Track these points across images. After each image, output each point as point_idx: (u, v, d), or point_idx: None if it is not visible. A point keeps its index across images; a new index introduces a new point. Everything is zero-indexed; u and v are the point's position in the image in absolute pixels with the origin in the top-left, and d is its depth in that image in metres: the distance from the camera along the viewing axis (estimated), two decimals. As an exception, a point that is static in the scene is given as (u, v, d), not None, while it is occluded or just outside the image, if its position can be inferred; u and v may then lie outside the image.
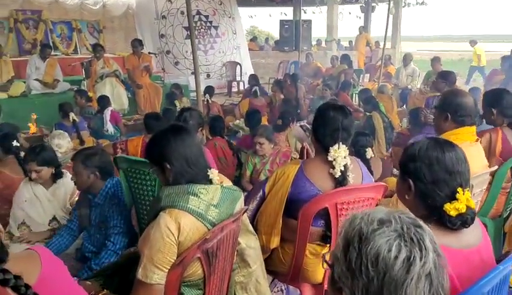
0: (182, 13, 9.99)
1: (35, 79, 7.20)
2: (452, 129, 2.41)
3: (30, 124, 6.03)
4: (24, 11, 9.37)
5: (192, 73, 7.90)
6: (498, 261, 1.32)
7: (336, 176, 2.03)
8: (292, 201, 2.09)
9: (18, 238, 2.75)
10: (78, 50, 10.18)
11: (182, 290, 1.71)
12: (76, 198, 2.82)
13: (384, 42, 8.57)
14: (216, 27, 10.99)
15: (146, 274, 1.57)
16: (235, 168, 4.16)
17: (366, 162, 2.94)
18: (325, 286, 2.21)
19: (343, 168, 2.02)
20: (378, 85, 8.27)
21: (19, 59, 8.55)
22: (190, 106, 6.42)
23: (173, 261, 1.59)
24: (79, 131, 5.36)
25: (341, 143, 2.03)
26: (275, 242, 2.15)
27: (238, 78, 10.88)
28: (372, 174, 2.44)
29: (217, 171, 1.81)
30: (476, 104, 2.50)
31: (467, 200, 1.31)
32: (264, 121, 5.76)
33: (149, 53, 8.58)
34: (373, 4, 15.56)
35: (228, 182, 1.89)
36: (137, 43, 7.85)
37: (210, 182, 1.76)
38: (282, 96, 7.34)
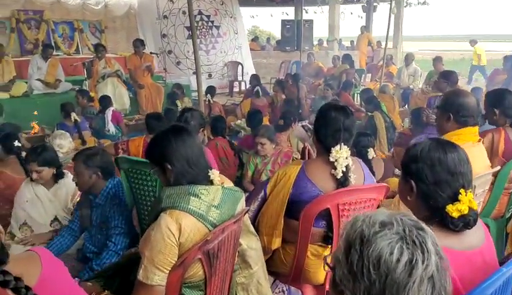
0: (184, 13, 9.99)
1: (37, 79, 7.20)
2: (454, 130, 2.40)
3: (33, 123, 6.04)
4: (26, 11, 9.39)
5: (193, 73, 7.89)
6: (501, 263, 1.31)
7: (338, 177, 2.02)
8: (294, 202, 2.08)
9: (21, 241, 2.75)
10: (80, 50, 10.19)
11: (183, 291, 1.71)
12: (78, 199, 2.83)
13: (386, 41, 8.55)
14: (217, 27, 10.99)
15: (147, 275, 1.57)
16: (236, 168, 4.17)
17: (368, 163, 2.93)
18: (327, 287, 2.20)
19: (344, 169, 2.02)
20: (379, 84, 8.25)
21: (21, 59, 8.55)
22: (192, 105, 6.43)
23: (174, 262, 1.59)
24: (81, 131, 5.36)
25: (342, 144, 2.03)
26: (276, 243, 2.14)
27: (240, 78, 10.87)
28: (373, 174, 2.44)
29: (218, 172, 1.81)
30: (478, 104, 2.49)
31: (469, 201, 1.31)
32: (266, 121, 5.75)
33: (151, 53, 8.58)
34: (374, 4, 15.56)
35: (229, 183, 1.89)
36: (139, 43, 7.85)
37: (211, 182, 1.76)
38: (283, 96, 7.33)
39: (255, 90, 7.50)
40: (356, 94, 9.02)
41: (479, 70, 12.69)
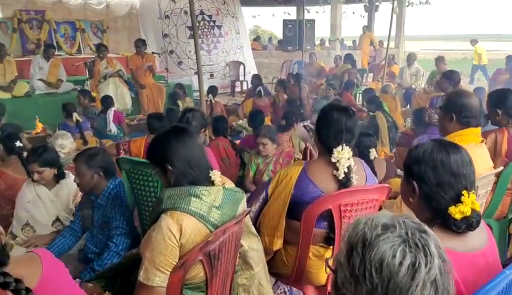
0: (185, 12, 10.00)
1: (38, 79, 7.21)
2: (456, 131, 2.39)
3: (37, 122, 6.05)
4: (28, 11, 9.39)
5: (195, 73, 7.90)
6: (504, 264, 1.30)
7: (340, 178, 2.01)
8: (295, 203, 2.08)
9: (24, 243, 2.75)
10: (81, 50, 10.19)
11: (184, 292, 1.70)
12: (79, 200, 2.82)
13: (388, 41, 8.54)
14: (219, 27, 10.99)
15: (148, 276, 1.57)
16: (238, 168, 4.16)
17: (370, 163, 2.92)
18: (329, 288, 2.20)
19: (346, 170, 2.01)
20: (381, 84, 8.25)
21: (23, 59, 8.55)
22: (193, 105, 6.43)
23: (175, 263, 1.59)
24: (82, 131, 5.36)
25: (344, 144, 2.02)
26: (278, 244, 2.14)
27: (241, 78, 10.87)
28: (375, 175, 2.43)
29: (219, 172, 1.80)
30: (481, 105, 2.48)
31: (472, 202, 1.30)
32: (268, 121, 5.74)
33: (153, 53, 8.57)
34: (376, 3, 15.52)
35: (230, 184, 1.88)
36: (140, 43, 7.85)
37: (212, 183, 1.75)
38: (285, 96, 7.32)
39: (257, 89, 7.49)
40: (357, 94, 9.01)
41: (480, 70, 12.67)
